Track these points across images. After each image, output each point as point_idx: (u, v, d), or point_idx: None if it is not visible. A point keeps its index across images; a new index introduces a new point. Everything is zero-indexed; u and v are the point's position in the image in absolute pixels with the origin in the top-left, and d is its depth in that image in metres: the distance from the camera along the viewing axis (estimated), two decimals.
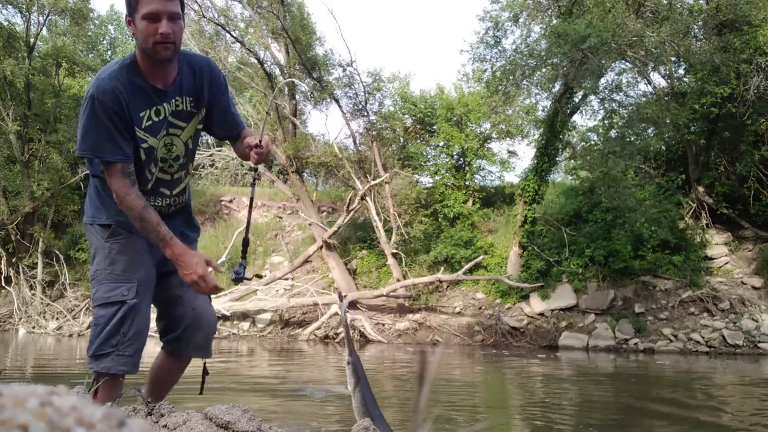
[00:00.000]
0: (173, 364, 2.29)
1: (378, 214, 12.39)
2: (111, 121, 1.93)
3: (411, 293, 11.88)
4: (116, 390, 2.08)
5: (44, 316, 13.39)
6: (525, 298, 11.63)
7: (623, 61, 11.79)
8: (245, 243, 2.46)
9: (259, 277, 2.66)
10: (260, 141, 2.21)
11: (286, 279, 12.99)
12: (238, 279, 2.28)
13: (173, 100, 2.10)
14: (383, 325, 11.72)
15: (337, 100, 13.13)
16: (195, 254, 1.96)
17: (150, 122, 2.05)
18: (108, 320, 2.00)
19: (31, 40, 14.60)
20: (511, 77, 11.21)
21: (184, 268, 1.94)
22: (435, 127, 15.05)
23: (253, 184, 2.59)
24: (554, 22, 11.07)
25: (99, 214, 2.15)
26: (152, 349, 2.46)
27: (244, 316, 12.38)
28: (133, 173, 1.97)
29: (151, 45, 1.93)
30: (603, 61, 10.02)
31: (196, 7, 12.72)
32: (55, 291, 14.10)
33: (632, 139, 11.94)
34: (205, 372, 2.33)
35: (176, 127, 2.13)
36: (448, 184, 14.63)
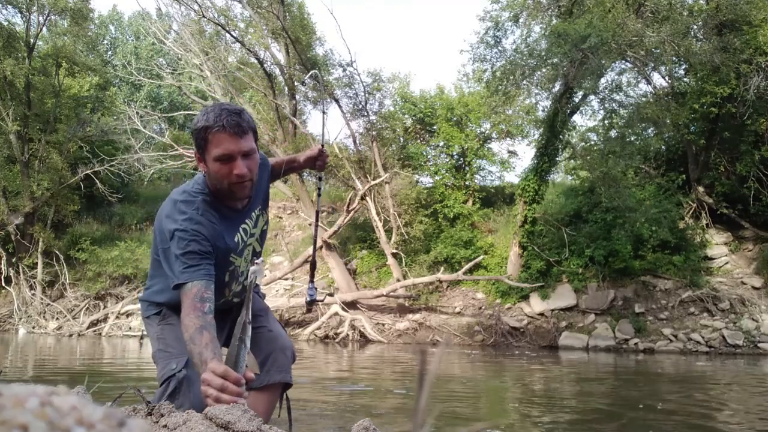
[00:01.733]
0: (258, 401, 2.07)
1: (378, 214, 12.39)
2: (202, 246, 1.82)
3: (411, 293, 11.88)
4: None
5: (44, 316, 13.39)
6: (525, 298, 11.63)
7: (623, 61, 11.79)
8: (313, 266, 2.43)
9: (331, 295, 2.81)
10: (321, 148, 2.30)
11: (286, 279, 13.00)
12: (312, 302, 2.28)
13: (252, 214, 2.06)
14: (383, 325, 11.71)
15: (337, 100, 13.13)
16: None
17: (242, 244, 2.01)
18: (160, 398, 1.86)
19: (31, 40, 14.59)
20: (511, 77, 11.21)
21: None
22: (435, 127, 15.05)
23: (319, 194, 2.62)
24: (554, 22, 11.08)
25: (153, 298, 2.13)
26: None
27: None
28: (211, 296, 1.77)
29: (226, 186, 1.86)
30: (603, 61, 10.02)
31: (196, 7, 12.73)
32: (55, 291, 14.10)
33: (632, 139, 11.94)
34: (288, 403, 2.27)
35: (251, 236, 2.08)
36: (448, 184, 14.63)
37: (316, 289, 2.21)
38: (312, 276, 2.32)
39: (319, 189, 2.52)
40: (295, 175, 13.16)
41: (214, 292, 1.78)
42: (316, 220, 2.60)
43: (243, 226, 2.02)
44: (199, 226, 1.84)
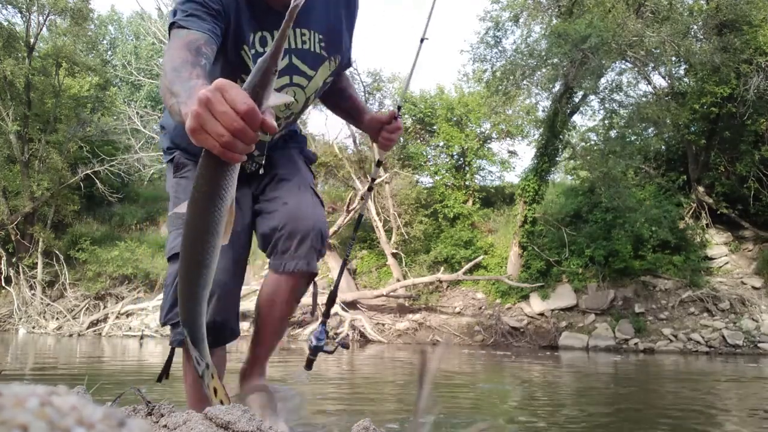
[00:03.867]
0: (274, 285, 1.69)
1: (378, 214, 12.40)
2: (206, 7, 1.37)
3: (411, 293, 11.88)
4: (217, 361, 1.55)
5: (44, 316, 13.39)
6: (525, 298, 11.63)
7: (623, 61, 11.79)
8: (331, 300, 1.95)
9: (346, 347, 1.96)
10: (396, 113, 1.75)
11: None
12: (317, 350, 1.79)
13: (298, 32, 1.55)
14: (383, 325, 11.72)
15: None
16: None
17: (255, 52, 1.51)
18: (173, 279, 1.58)
19: (31, 40, 14.59)
20: (511, 77, 11.21)
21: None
22: (435, 127, 15.05)
23: (370, 187, 2.10)
24: (554, 22, 11.08)
25: (163, 141, 1.81)
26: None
27: (243, 316, 12.39)
28: (210, 57, 1.27)
29: None
30: (603, 61, 10.03)
31: None
32: (55, 291, 14.09)
33: (632, 139, 11.95)
34: (315, 290, 1.85)
35: (301, 74, 1.59)
36: (448, 184, 14.63)
37: (327, 333, 1.74)
38: (327, 314, 1.86)
39: (371, 185, 2.03)
40: None
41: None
42: (356, 228, 2.05)
43: (273, 33, 1.51)
44: None
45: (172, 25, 1.32)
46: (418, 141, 15.59)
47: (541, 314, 11.31)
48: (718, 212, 12.12)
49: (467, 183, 14.90)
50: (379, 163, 2.12)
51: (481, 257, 11.81)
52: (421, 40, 2.07)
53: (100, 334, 12.51)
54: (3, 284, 13.97)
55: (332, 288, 2.02)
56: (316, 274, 1.71)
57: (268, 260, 1.71)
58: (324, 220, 1.73)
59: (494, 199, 15.31)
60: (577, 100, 11.82)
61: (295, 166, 1.81)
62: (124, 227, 16.30)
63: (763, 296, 10.81)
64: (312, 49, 1.57)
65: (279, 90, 1.55)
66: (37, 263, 14.03)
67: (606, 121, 12.08)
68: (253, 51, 1.51)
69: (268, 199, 1.71)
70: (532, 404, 4.24)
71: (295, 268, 1.64)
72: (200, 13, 1.33)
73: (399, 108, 1.85)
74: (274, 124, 0.93)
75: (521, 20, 11.70)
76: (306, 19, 1.54)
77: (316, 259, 1.69)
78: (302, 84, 1.62)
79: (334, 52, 1.64)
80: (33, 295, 13.74)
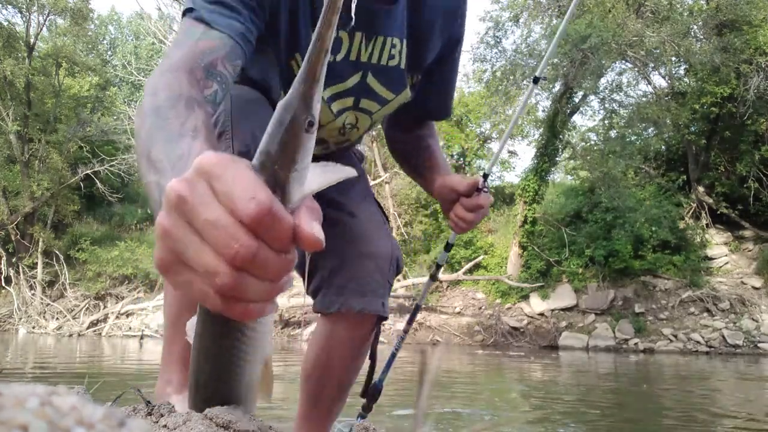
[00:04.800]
0: (327, 336, 1.27)
1: None
2: None
3: (411, 293, 11.88)
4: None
5: (44, 316, 13.39)
6: (525, 298, 11.63)
7: (623, 61, 11.80)
8: (372, 393, 1.46)
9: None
10: (482, 185, 1.24)
11: None
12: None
13: (379, 40, 1.12)
14: (383, 325, 11.71)
15: None
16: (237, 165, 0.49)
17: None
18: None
19: (31, 40, 14.60)
20: (511, 77, 11.22)
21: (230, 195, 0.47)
22: None
23: (433, 277, 1.57)
24: (554, 22, 11.08)
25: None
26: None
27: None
28: (227, 78, 0.86)
29: None
30: (603, 61, 10.03)
31: None
32: (55, 291, 14.10)
33: (632, 139, 11.95)
34: (373, 361, 1.41)
35: (374, 98, 1.18)
36: None
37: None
38: (369, 407, 1.45)
39: (432, 276, 1.59)
40: None
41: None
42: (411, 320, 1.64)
43: (344, 34, 1.09)
44: None
45: (186, 13, 0.89)
46: None
47: (541, 314, 11.31)
48: (718, 212, 12.12)
49: None
50: (448, 247, 1.58)
51: (481, 257, 11.81)
52: (535, 80, 1.55)
53: (100, 334, 12.51)
54: (3, 284, 13.97)
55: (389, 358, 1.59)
56: (386, 319, 1.30)
57: (311, 300, 1.26)
58: (397, 243, 1.32)
59: (494, 199, 15.30)
60: (577, 100, 11.83)
61: (355, 167, 1.34)
62: (124, 227, 16.30)
63: (763, 296, 10.81)
64: (398, 64, 1.16)
65: (335, 113, 1.16)
66: (37, 263, 14.03)
67: (606, 121, 12.09)
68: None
69: (328, 201, 1.21)
70: (531, 404, 4.24)
71: (364, 308, 1.20)
72: (234, 1, 0.91)
73: (485, 177, 1.27)
74: (319, 236, 0.49)
75: (521, 20, 11.71)
76: (388, 23, 1.10)
77: (387, 296, 1.26)
78: (371, 110, 1.20)
79: (417, 70, 1.21)
80: (33, 295, 13.74)
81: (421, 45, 1.18)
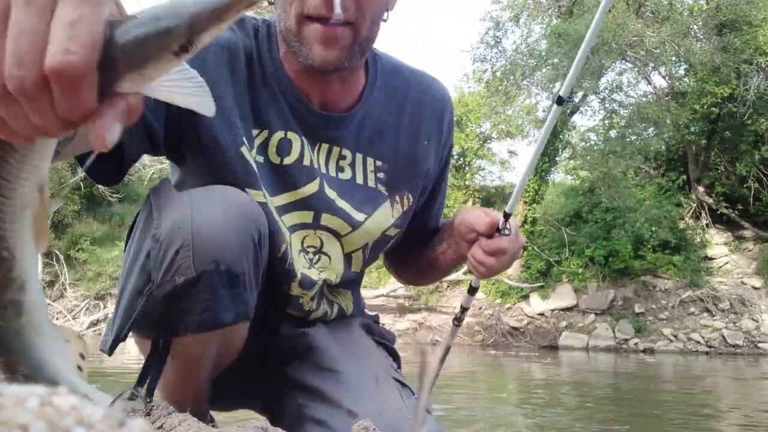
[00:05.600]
0: None
1: None
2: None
3: (411, 293, 11.89)
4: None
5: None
6: (525, 298, 11.64)
7: (623, 61, 11.80)
8: None
9: None
10: (502, 225, 1.05)
11: None
12: None
13: (335, 151, 1.04)
14: (383, 325, 11.72)
15: None
16: None
17: (263, 161, 0.99)
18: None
19: None
20: (511, 77, 11.23)
21: None
22: None
23: (457, 320, 1.38)
24: (554, 22, 11.08)
25: None
26: None
27: None
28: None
29: (293, 23, 0.89)
30: (603, 61, 10.03)
31: None
32: (55, 291, 14.11)
33: (632, 139, 11.95)
34: None
35: (337, 212, 1.04)
36: (448, 184, 14.63)
37: None
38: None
39: (457, 322, 1.41)
40: None
41: None
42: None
43: (303, 138, 1.00)
44: (236, 44, 0.96)
45: None
46: None
47: (541, 314, 11.32)
48: (718, 212, 12.13)
49: (467, 183, 14.91)
50: (472, 291, 1.37)
51: None
52: (559, 102, 1.30)
53: (100, 334, 12.52)
54: None
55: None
56: None
57: None
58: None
59: (494, 199, 15.31)
60: (577, 100, 11.83)
61: (360, 351, 1.15)
62: (124, 227, 16.30)
63: (763, 296, 10.81)
64: (360, 181, 1.05)
65: (289, 227, 1.01)
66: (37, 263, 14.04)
67: (606, 121, 12.09)
68: (263, 160, 0.99)
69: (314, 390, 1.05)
70: (531, 404, 4.24)
71: None
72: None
73: (507, 217, 1.06)
74: (112, 134, 0.42)
75: (521, 20, 11.71)
76: (355, 137, 1.03)
77: None
78: (339, 230, 1.05)
79: (403, 189, 1.09)
80: None
81: (408, 164, 1.09)
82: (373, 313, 1.38)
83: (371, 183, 1.06)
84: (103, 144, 0.41)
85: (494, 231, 1.06)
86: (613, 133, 12.11)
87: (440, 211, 1.26)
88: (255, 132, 0.98)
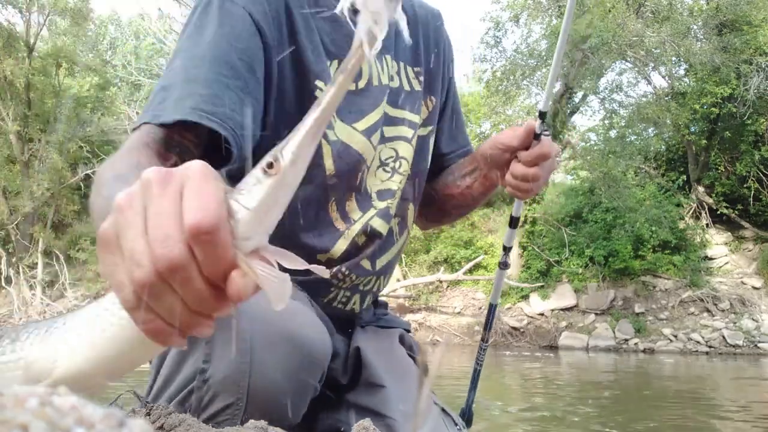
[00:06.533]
0: None
1: None
2: (242, 49, 0.85)
3: (411, 293, 11.88)
4: None
5: (44, 316, 13.40)
6: (525, 298, 11.63)
7: (623, 61, 11.80)
8: None
9: None
10: (539, 128, 0.99)
11: None
12: None
13: (385, 61, 1.06)
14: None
15: None
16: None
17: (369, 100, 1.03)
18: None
19: (31, 40, 14.60)
20: (511, 77, 11.22)
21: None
22: None
23: (503, 264, 1.26)
24: (554, 22, 11.08)
25: None
26: None
27: None
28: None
29: None
30: (603, 61, 10.03)
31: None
32: (55, 291, 14.10)
33: (632, 139, 11.95)
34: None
35: (398, 122, 1.07)
36: None
37: None
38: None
39: (504, 264, 1.29)
40: None
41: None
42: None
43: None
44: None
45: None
46: None
47: (541, 314, 11.31)
48: (718, 212, 12.13)
49: None
50: (513, 222, 1.25)
51: (481, 257, 11.81)
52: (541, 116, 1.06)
53: None
54: (3, 284, 13.97)
55: None
56: None
57: None
58: None
59: (494, 199, 15.30)
60: (577, 100, 11.83)
61: (395, 361, 1.11)
62: None
63: (763, 296, 10.81)
64: (409, 87, 1.08)
65: (369, 134, 1.01)
66: (37, 263, 14.03)
67: (606, 121, 12.09)
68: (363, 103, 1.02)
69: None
70: (531, 404, 4.24)
71: None
72: (228, 76, 0.82)
73: (542, 117, 1.00)
74: (244, 292, 0.43)
75: (521, 20, 11.71)
76: (394, 47, 1.07)
77: None
78: (405, 135, 1.07)
79: (432, 92, 1.15)
80: (33, 295, 13.74)
81: (433, 68, 1.15)
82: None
83: (416, 87, 1.11)
84: (239, 295, 0.42)
85: (531, 139, 1.00)
86: (613, 133, 12.11)
87: (464, 127, 1.28)
88: (328, 63, 0.98)
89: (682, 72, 12.97)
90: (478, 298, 12.03)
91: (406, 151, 1.09)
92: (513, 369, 7.18)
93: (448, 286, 12.32)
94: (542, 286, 11.39)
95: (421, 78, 1.12)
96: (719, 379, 6.32)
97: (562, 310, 11.28)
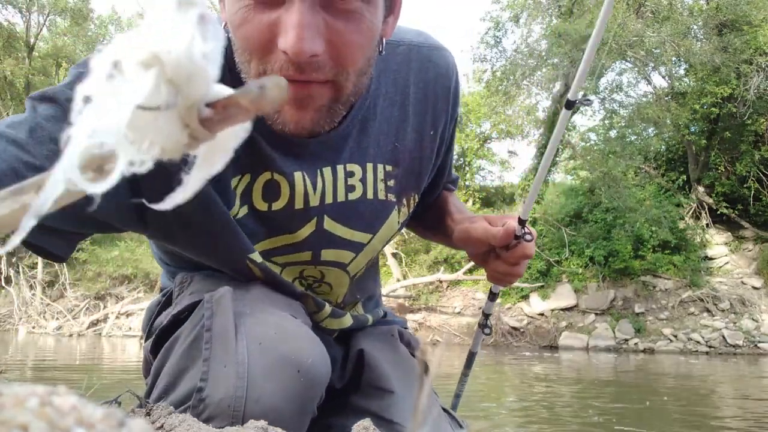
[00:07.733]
0: None
1: None
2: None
3: (411, 293, 11.89)
4: None
5: (44, 316, 13.40)
6: (525, 298, 11.64)
7: (623, 61, 11.80)
8: None
9: None
10: (520, 231, 0.96)
11: None
12: None
13: (340, 170, 0.90)
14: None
15: None
16: None
17: (248, 211, 0.87)
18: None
19: (31, 40, 14.61)
20: (511, 77, 11.23)
21: None
22: None
23: (482, 326, 1.30)
24: (554, 22, 11.08)
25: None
26: None
27: None
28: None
29: (252, 70, 0.72)
30: (603, 61, 10.03)
31: None
32: (55, 291, 14.10)
33: (632, 139, 11.96)
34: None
35: (341, 244, 0.94)
36: None
37: None
38: None
39: (485, 329, 1.32)
40: None
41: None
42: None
43: (280, 174, 0.84)
44: None
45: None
46: None
47: (541, 314, 11.32)
48: (718, 212, 12.13)
49: (467, 183, 14.91)
50: (493, 297, 1.30)
51: None
52: (568, 105, 1.14)
53: (100, 334, 12.52)
54: (3, 284, 13.98)
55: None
56: None
57: None
58: None
59: (494, 199, 15.31)
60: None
61: (400, 363, 1.06)
62: None
63: (763, 296, 10.81)
64: (371, 196, 0.93)
65: (286, 265, 0.94)
66: (37, 263, 14.03)
67: (606, 121, 12.09)
68: (247, 211, 0.88)
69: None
70: (531, 404, 4.24)
71: None
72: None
73: (522, 223, 0.97)
74: None
75: (521, 20, 11.71)
76: (355, 143, 0.89)
77: None
78: (343, 261, 0.97)
79: (411, 190, 1.00)
80: (33, 295, 13.75)
81: (415, 161, 0.98)
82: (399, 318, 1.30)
83: (381, 195, 0.94)
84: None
85: (512, 238, 0.97)
86: (613, 133, 12.11)
87: (451, 166, 1.20)
88: (234, 181, 0.84)
89: (682, 72, 12.98)
90: (478, 298, 12.03)
91: (339, 278, 0.98)
92: (513, 369, 7.19)
93: (448, 286, 12.32)
94: (542, 286, 11.40)
95: (397, 176, 0.95)
96: (719, 379, 6.33)
97: (562, 310, 11.29)
